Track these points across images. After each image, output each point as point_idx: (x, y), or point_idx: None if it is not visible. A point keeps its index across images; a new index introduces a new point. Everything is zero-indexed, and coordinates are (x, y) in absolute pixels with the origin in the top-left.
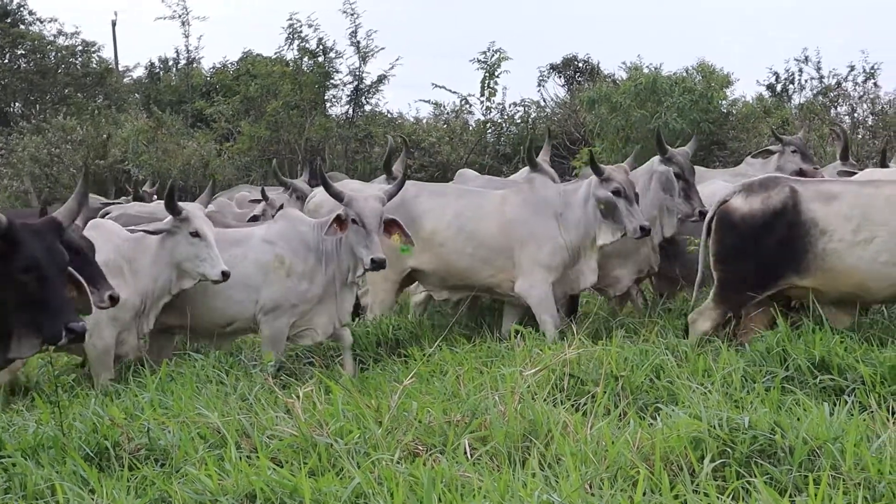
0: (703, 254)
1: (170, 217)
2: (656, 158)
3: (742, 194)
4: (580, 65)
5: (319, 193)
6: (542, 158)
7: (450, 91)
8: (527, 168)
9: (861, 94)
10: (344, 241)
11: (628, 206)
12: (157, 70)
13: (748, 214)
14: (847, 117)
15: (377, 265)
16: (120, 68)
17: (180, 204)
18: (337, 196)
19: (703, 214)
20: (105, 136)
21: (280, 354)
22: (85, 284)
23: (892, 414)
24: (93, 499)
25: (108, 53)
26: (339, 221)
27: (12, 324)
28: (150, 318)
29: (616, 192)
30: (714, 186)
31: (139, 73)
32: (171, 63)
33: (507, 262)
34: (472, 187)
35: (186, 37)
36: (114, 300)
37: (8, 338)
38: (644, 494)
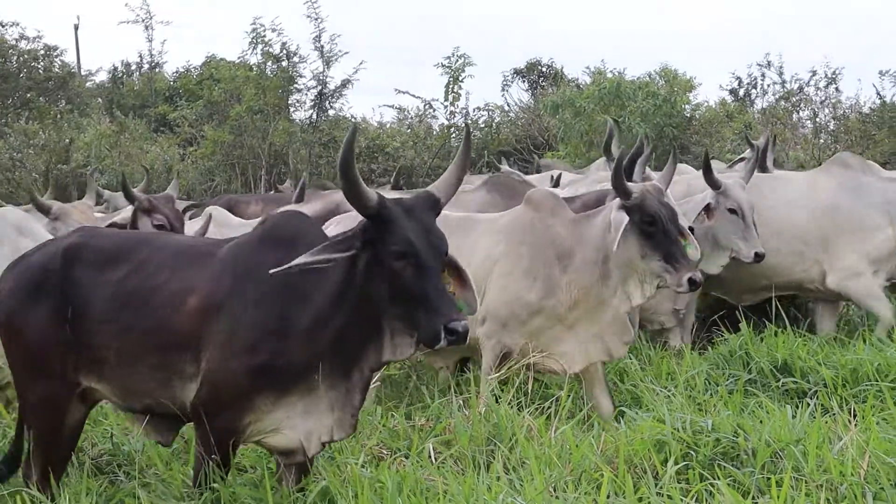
0: None
1: (709, 191)
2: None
3: None
4: (544, 69)
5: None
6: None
7: (413, 96)
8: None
9: (823, 98)
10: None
11: None
12: (120, 74)
13: None
14: (809, 122)
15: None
16: (82, 72)
17: (717, 176)
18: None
19: None
20: (67, 140)
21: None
22: (468, 276)
23: (854, 416)
24: None
25: (70, 58)
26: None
27: (386, 321)
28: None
29: None
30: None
31: (102, 77)
32: (134, 67)
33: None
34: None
35: (150, 41)
36: (694, 284)
37: (380, 337)
38: (608, 497)
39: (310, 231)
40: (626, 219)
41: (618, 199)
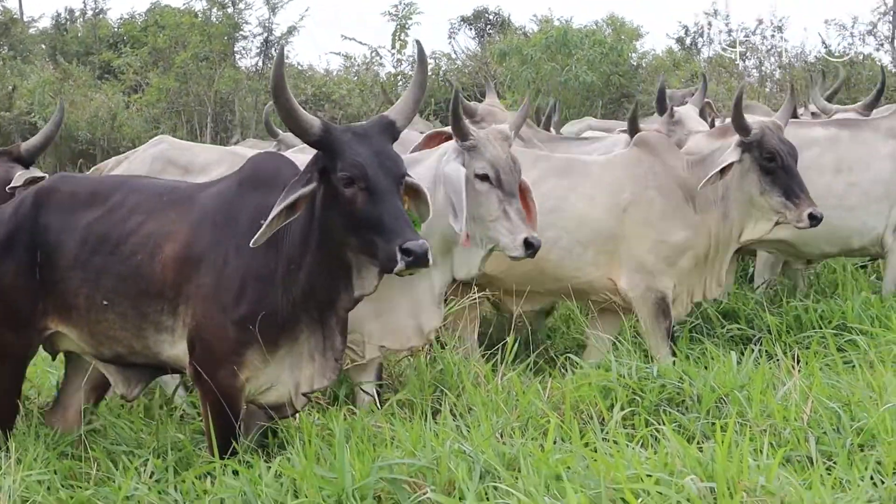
0: None
1: None
2: None
3: None
4: (491, 17)
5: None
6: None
7: (360, 43)
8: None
9: (769, 47)
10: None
11: None
12: (64, 21)
13: None
14: (755, 70)
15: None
16: (25, 19)
17: None
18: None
19: None
20: (10, 87)
21: None
22: (422, 189)
23: (797, 362)
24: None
25: (12, 4)
26: None
27: (350, 254)
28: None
29: None
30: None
31: (45, 23)
32: (77, 14)
33: None
34: None
35: None
36: (815, 219)
37: (349, 273)
38: (554, 442)
39: (288, 172)
40: (736, 157)
41: (736, 136)
